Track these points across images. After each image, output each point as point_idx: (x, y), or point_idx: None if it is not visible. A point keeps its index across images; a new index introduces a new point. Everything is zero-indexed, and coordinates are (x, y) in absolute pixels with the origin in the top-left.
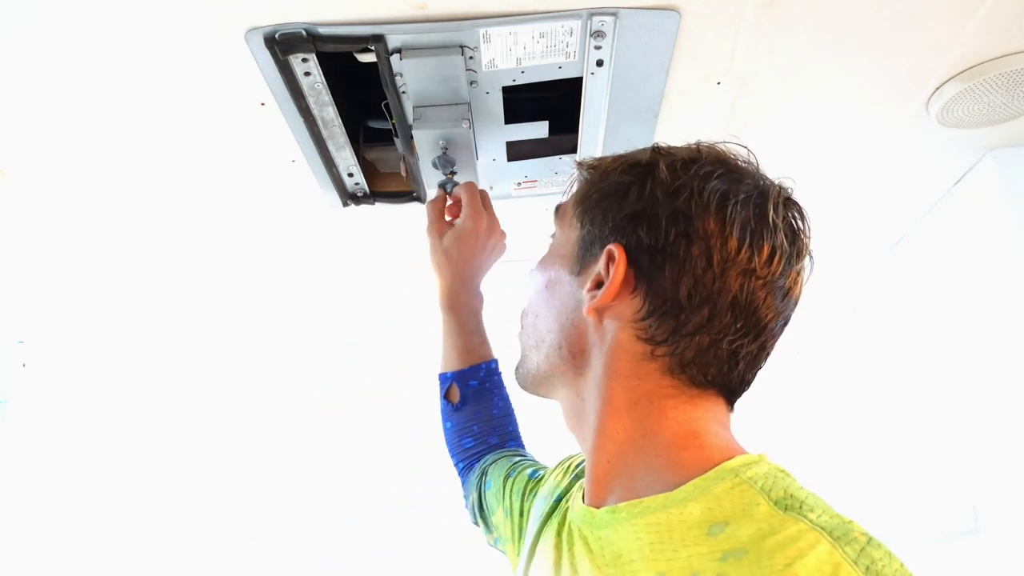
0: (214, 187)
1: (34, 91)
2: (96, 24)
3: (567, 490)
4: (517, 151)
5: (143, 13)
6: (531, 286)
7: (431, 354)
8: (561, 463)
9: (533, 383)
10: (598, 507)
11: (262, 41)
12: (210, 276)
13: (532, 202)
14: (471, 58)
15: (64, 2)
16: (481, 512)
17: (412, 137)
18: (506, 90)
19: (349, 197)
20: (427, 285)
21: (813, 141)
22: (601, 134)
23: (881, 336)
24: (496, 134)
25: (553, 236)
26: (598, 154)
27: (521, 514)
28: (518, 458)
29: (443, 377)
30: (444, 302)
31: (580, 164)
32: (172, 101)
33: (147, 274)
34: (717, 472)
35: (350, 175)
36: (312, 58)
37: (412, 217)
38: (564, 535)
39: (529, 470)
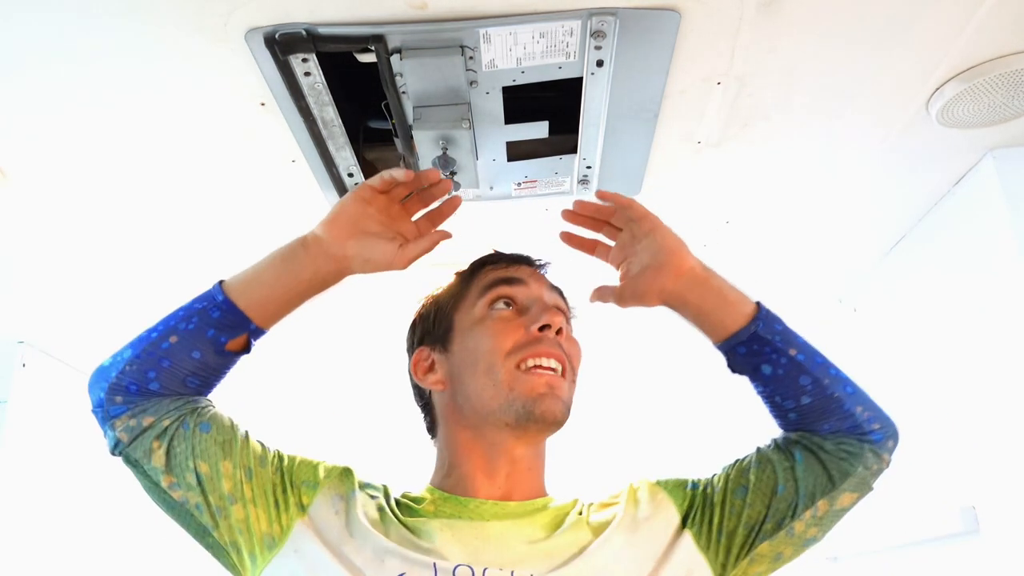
0: (214, 187)
1: (34, 92)
2: (96, 24)
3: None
4: (517, 151)
5: (143, 13)
6: (578, 349)
7: None
8: (358, 480)
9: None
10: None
11: (262, 41)
12: (210, 276)
13: (532, 202)
14: (471, 58)
15: (63, 2)
16: (169, 443)
17: (412, 137)
18: (506, 90)
19: None
20: (426, 286)
21: (813, 141)
22: (601, 134)
23: (881, 336)
24: (496, 134)
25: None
26: (598, 154)
27: (294, 488)
28: (255, 437)
29: (252, 328)
30: (324, 247)
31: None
32: (172, 101)
33: (147, 274)
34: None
35: (350, 175)
36: (312, 58)
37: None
38: (474, 521)
39: (323, 466)
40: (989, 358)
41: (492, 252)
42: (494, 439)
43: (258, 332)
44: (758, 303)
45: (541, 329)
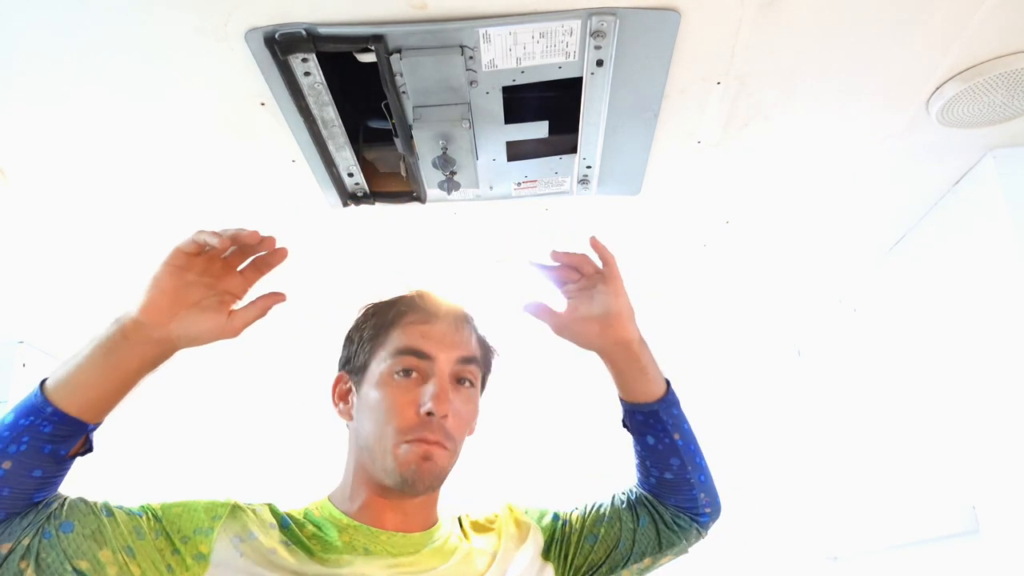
0: (214, 187)
1: (34, 92)
2: (96, 24)
3: (288, 528)
4: (517, 151)
5: (143, 13)
6: (473, 414)
7: None
8: (251, 513)
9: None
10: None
11: (262, 41)
12: None
13: (532, 202)
14: (471, 58)
15: (63, 2)
16: (36, 559)
17: (412, 137)
18: (506, 90)
19: (349, 197)
20: (427, 285)
21: (813, 141)
22: (601, 134)
23: (881, 336)
24: (496, 134)
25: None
26: (598, 154)
27: (186, 543)
28: (123, 506)
29: (89, 428)
30: (146, 333)
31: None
32: (172, 101)
33: (147, 274)
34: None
35: (350, 175)
36: (312, 58)
37: (412, 217)
38: (381, 552)
39: (205, 506)
40: (989, 358)
41: (419, 296)
42: (386, 487)
43: (96, 428)
44: (668, 386)
45: (429, 413)
